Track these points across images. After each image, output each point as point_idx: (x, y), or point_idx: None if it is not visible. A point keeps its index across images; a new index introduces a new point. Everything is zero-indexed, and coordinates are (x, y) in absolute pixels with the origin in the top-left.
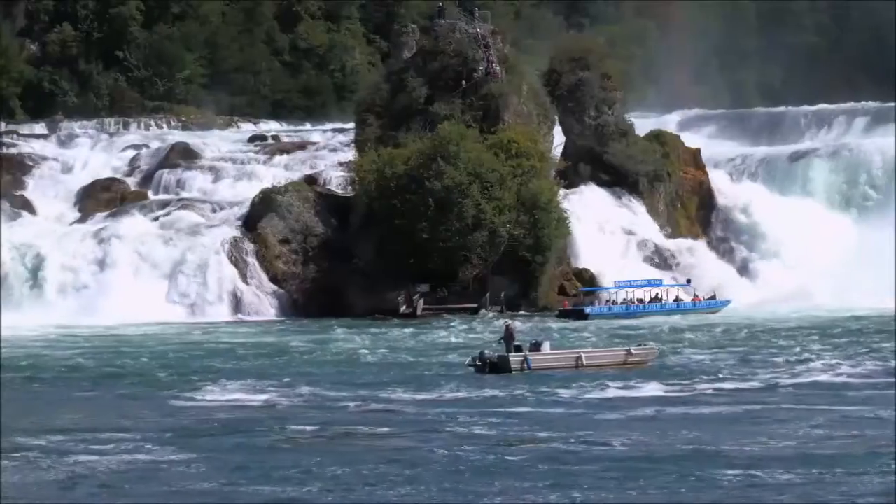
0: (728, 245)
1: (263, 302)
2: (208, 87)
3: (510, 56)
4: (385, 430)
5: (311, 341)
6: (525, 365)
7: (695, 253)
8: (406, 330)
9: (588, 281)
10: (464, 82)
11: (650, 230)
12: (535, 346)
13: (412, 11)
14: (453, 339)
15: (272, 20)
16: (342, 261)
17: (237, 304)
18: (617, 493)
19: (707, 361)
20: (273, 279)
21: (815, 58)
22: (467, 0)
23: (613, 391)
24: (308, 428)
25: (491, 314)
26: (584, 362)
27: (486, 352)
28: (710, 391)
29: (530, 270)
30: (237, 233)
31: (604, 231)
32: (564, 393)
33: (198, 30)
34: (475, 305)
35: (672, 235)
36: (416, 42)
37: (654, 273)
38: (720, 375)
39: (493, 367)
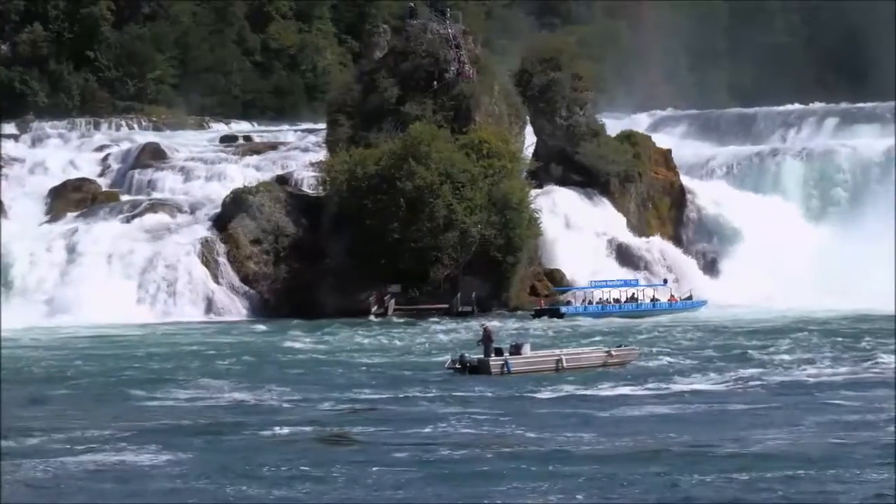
0: (699, 245)
1: (234, 302)
2: (179, 87)
3: (481, 56)
4: (366, 431)
5: (284, 342)
6: (505, 367)
7: (666, 253)
8: (379, 330)
9: (559, 281)
10: (435, 82)
11: (621, 230)
12: (516, 349)
13: (383, 12)
14: (428, 340)
15: (243, 20)
16: (313, 261)
17: (208, 304)
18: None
19: (685, 362)
20: (244, 279)
21: (786, 58)
22: (438, 0)
23: (594, 391)
24: (286, 430)
25: (472, 318)
26: (565, 364)
27: (466, 354)
28: (687, 392)
29: (501, 271)
30: (208, 233)
31: (575, 231)
32: (547, 393)
33: (168, 30)
34: (446, 306)
35: (643, 236)
36: (388, 42)
37: (624, 273)
38: (699, 376)
39: (473, 369)
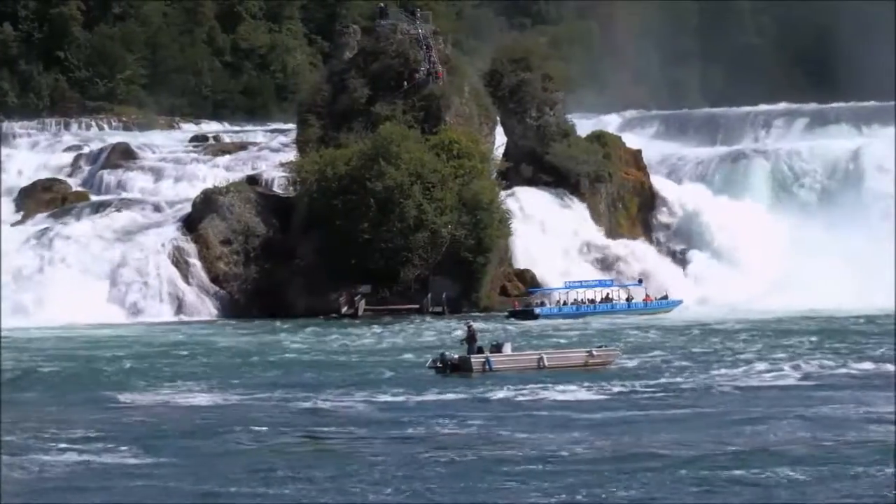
0: (669, 245)
1: (205, 302)
2: (149, 87)
3: (452, 57)
4: (348, 432)
5: (255, 342)
6: (487, 366)
7: (636, 253)
8: (350, 330)
9: (530, 281)
10: (405, 83)
11: (591, 231)
12: (497, 348)
13: (353, 12)
14: (403, 340)
15: (213, 21)
16: (283, 261)
17: (178, 304)
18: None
19: (663, 363)
20: (214, 280)
21: (756, 59)
22: (409, 0)
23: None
24: (264, 429)
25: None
26: (546, 363)
27: (448, 353)
28: (663, 393)
29: (472, 271)
30: (178, 233)
31: (545, 232)
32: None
33: (139, 30)
34: (417, 306)
35: (613, 236)
36: (358, 43)
37: (595, 273)
38: (679, 377)
39: (455, 368)
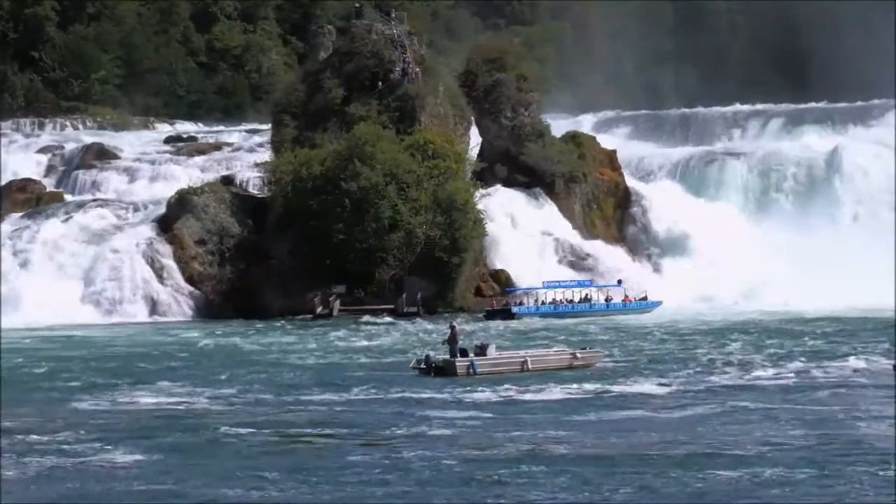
0: (644, 246)
1: (179, 303)
2: (124, 87)
3: (426, 57)
4: (327, 433)
5: (230, 343)
6: (471, 368)
7: (611, 254)
8: (326, 330)
9: (504, 282)
10: (380, 83)
11: (566, 231)
12: (481, 349)
13: (328, 12)
14: (379, 341)
15: (188, 21)
16: (258, 262)
17: (153, 304)
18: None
19: (648, 364)
20: (189, 280)
21: (730, 59)
22: (383, 1)
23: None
24: (243, 430)
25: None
26: (530, 366)
27: (432, 354)
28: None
29: (447, 271)
30: (153, 234)
31: (520, 232)
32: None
33: (113, 30)
34: (392, 306)
35: (588, 236)
36: (333, 43)
37: (570, 274)
38: (657, 378)
39: (439, 370)
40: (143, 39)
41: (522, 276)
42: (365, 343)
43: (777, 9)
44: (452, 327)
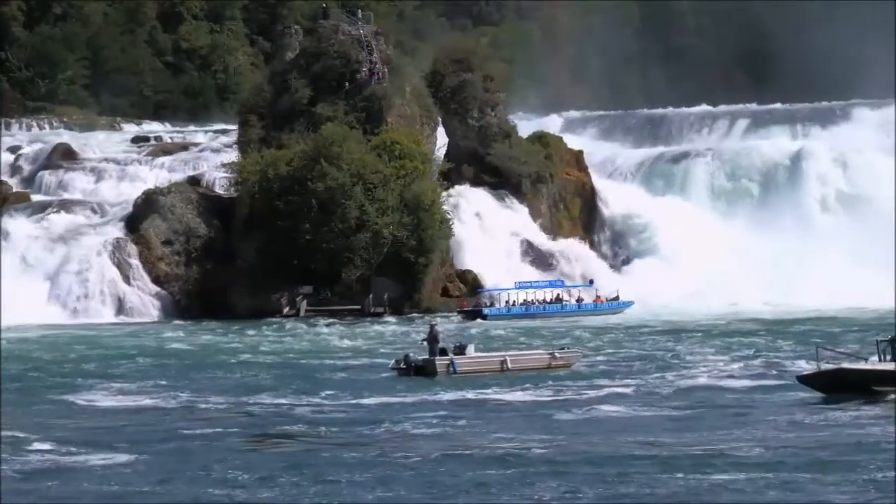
0: (610, 246)
1: (146, 303)
2: (91, 87)
3: (393, 57)
4: (303, 433)
5: (198, 343)
6: (451, 368)
7: (577, 254)
8: (295, 331)
9: (471, 282)
10: (347, 84)
11: (533, 232)
12: (460, 349)
13: (295, 13)
14: (351, 341)
15: (154, 21)
16: (225, 262)
17: (120, 305)
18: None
19: (622, 364)
20: (156, 280)
21: (697, 60)
22: (350, 1)
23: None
24: (210, 431)
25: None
26: (510, 366)
27: (411, 354)
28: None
29: (413, 272)
30: (120, 234)
31: (487, 232)
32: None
33: (80, 30)
34: (358, 307)
35: (555, 237)
36: (299, 43)
37: (537, 274)
38: (638, 378)
39: (419, 370)
40: (109, 40)
41: (489, 277)
42: (337, 343)
43: (743, 10)
44: (432, 327)
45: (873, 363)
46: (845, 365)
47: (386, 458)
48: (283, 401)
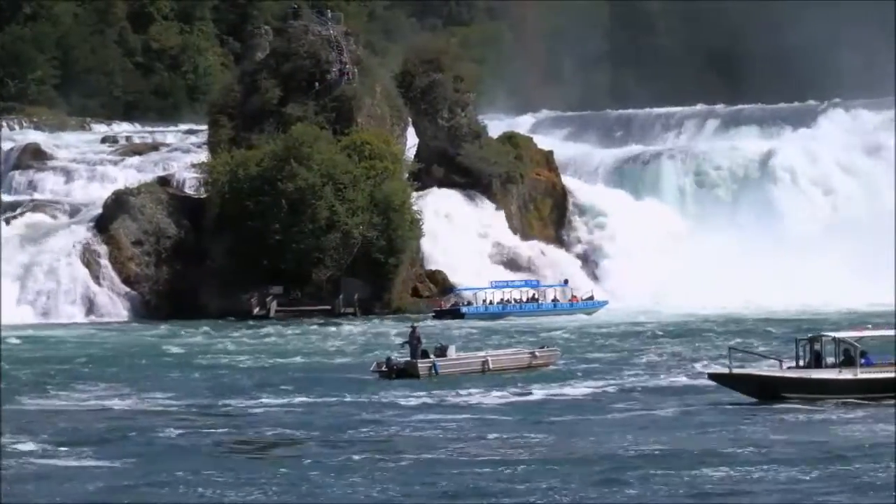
0: (581, 247)
1: (116, 303)
2: (60, 87)
3: (363, 57)
4: (280, 435)
5: (169, 344)
6: (433, 370)
7: (548, 255)
8: (267, 331)
9: (441, 282)
10: (317, 84)
11: (503, 232)
12: (441, 351)
13: (265, 13)
14: (327, 343)
15: (124, 21)
16: (195, 262)
17: (90, 305)
18: None
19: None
20: (126, 281)
21: (667, 60)
22: (320, 1)
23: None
24: (185, 433)
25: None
26: (491, 366)
27: (393, 356)
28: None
29: (384, 272)
30: (90, 234)
31: (457, 233)
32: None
33: (50, 30)
34: (329, 307)
35: (525, 237)
36: (269, 43)
37: (507, 274)
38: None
39: (401, 372)
40: (79, 40)
41: (459, 277)
42: (311, 343)
43: (713, 10)
44: (414, 328)
45: (774, 368)
46: (750, 370)
47: (371, 462)
48: (256, 403)
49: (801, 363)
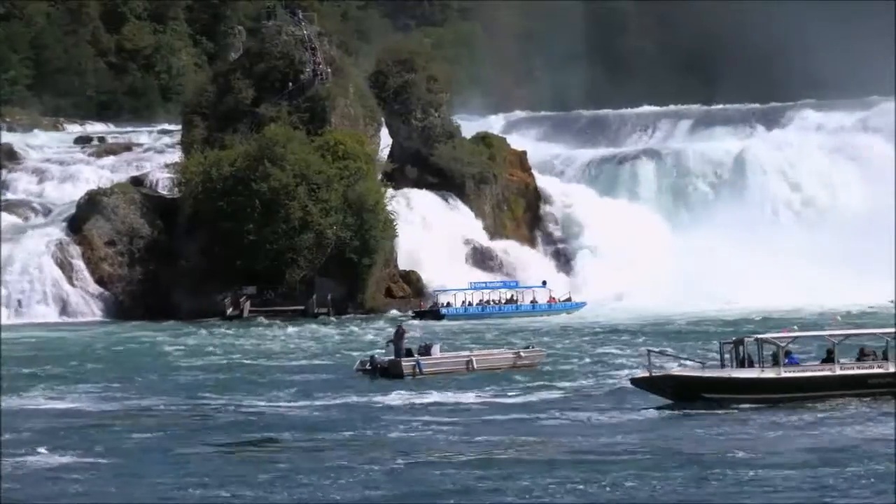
0: (554, 247)
1: (89, 304)
2: (33, 87)
3: (337, 58)
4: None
5: (142, 344)
6: (417, 369)
7: (521, 255)
8: (242, 332)
9: (415, 283)
10: (290, 84)
11: (476, 232)
12: (425, 350)
13: (238, 13)
14: (303, 343)
15: (97, 21)
16: (168, 263)
17: (63, 305)
18: None
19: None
20: (99, 281)
21: (641, 61)
22: (293, 1)
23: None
24: (196, 431)
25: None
26: (475, 365)
27: (377, 355)
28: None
29: (357, 272)
30: (62, 235)
31: (430, 233)
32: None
33: (23, 30)
34: (302, 307)
35: (498, 237)
36: (243, 44)
37: (481, 275)
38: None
39: (385, 371)
40: (52, 40)
41: (433, 278)
42: (286, 344)
43: (686, 11)
44: (399, 326)
45: (695, 368)
46: (674, 371)
47: (355, 462)
48: (232, 402)
49: (725, 365)
